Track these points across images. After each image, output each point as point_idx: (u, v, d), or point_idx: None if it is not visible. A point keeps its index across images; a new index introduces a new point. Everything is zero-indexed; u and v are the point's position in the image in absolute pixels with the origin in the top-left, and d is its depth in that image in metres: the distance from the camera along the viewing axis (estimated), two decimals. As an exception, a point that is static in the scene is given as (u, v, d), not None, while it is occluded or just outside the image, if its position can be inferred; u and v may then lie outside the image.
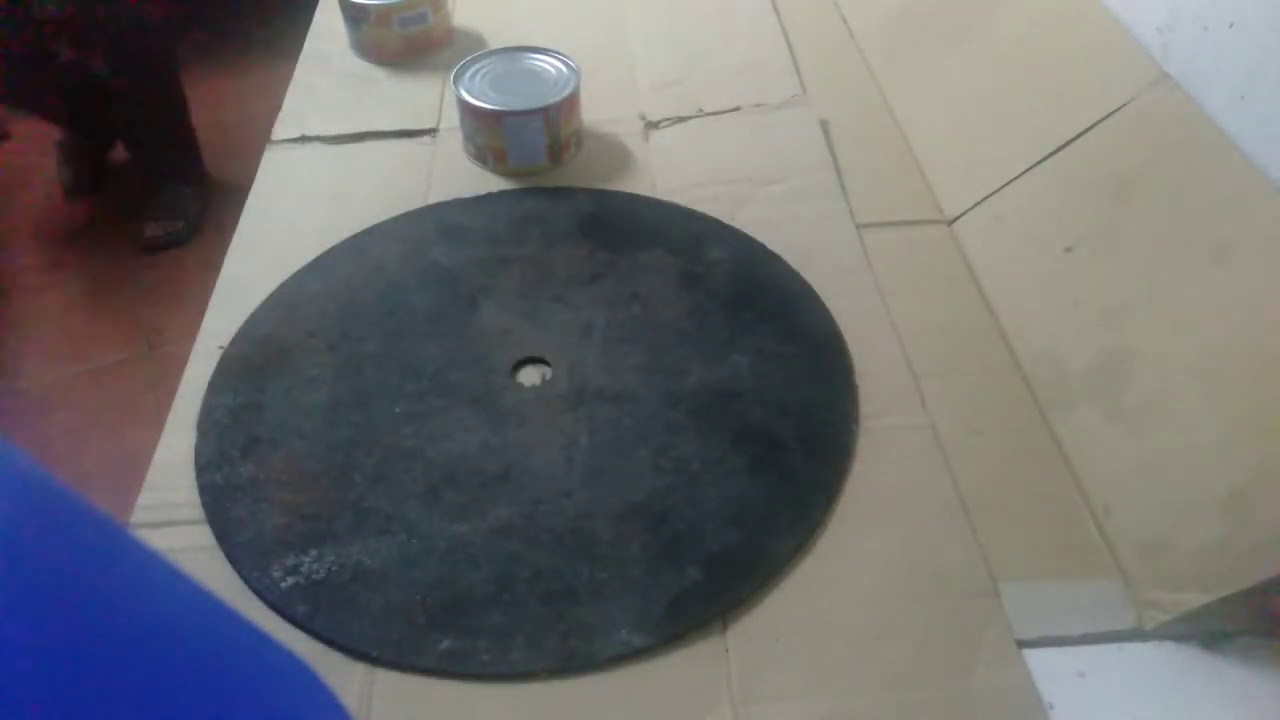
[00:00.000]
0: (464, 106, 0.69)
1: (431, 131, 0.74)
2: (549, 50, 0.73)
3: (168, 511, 0.49)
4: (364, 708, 0.42)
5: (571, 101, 0.69)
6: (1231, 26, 0.52)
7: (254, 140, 0.79)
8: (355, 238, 0.65)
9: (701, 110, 0.75)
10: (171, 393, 0.55)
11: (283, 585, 0.46)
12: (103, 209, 1.96)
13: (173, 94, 1.52)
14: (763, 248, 0.63)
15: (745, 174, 0.69)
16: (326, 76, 0.81)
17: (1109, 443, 0.50)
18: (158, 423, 0.54)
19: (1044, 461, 0.52)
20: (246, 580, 0.46)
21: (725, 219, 0.66)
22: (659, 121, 0.75)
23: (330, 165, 0.72)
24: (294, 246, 0.64)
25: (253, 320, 0.59)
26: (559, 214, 0.67)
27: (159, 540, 0.48)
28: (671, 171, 0.70)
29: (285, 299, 0.61)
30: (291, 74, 0.81)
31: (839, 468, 0.51)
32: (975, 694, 0.42)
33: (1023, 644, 0.44)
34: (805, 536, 0.48)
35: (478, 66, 0.72)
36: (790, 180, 0.69)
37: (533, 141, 0.69)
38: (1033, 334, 0.57)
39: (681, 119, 0.75)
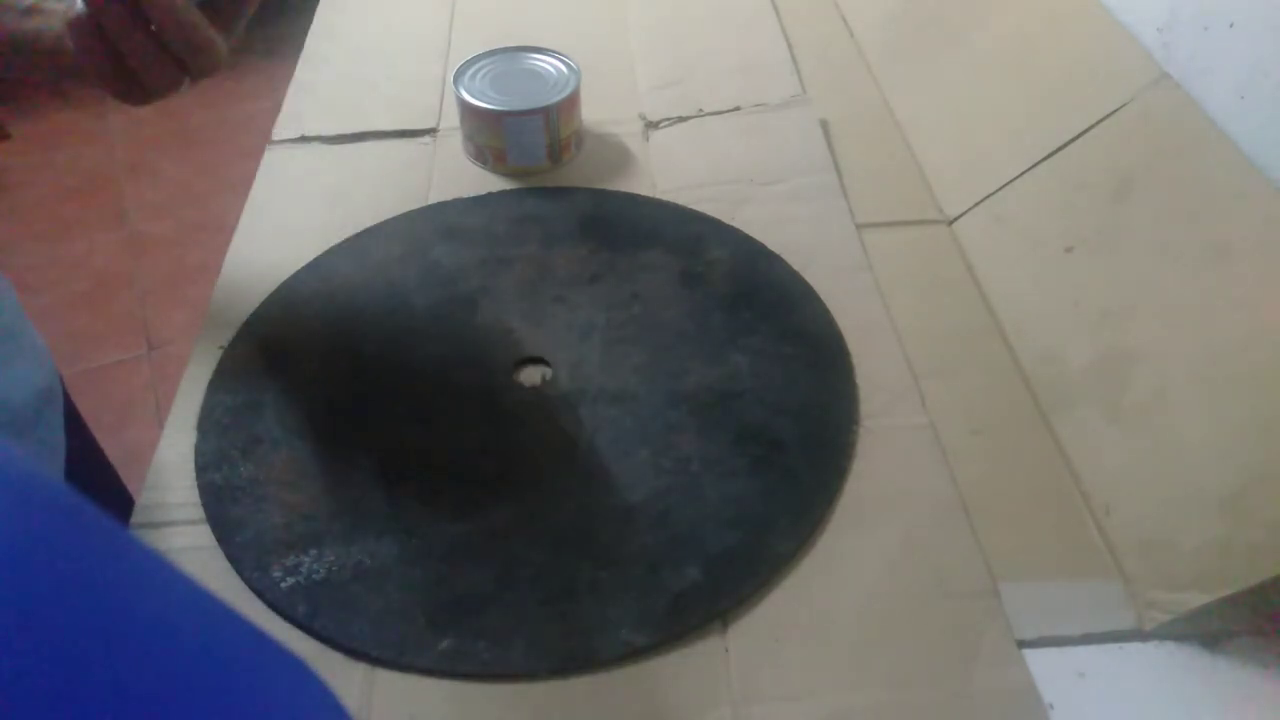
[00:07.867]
0: (464, 106, 0.69)
1: (431, 131, 0.74)
2: (549, 50, 0.73)
3: (168, 511, 0.49)
4: (364, 708, 0.42)
5: (571, 101, 0.69)
6: (1231, 26, 0.52)
7: (254, 140, 0.79)
8: (355, 238, 0.65)
9: (701, 110, 0.75)
10: (171, 393, 0.55)
11: (283, 585, 0.46)
12: (102, 208, 1.96)
13: None
14: (763, 248, 0.63)
15: (745, 174, 0.69)
16: (326, 76, 0.81)
17: (1109, 443, 0.50)
18: (158, 423, 0.54)
19: (1044, 461, 0.52)
20: (246, 580, 0.46)
21: (725, 219, 0.66)
22: (659, 121, 0.75)
23: (330, 165, 0.72)
24: (294, 246, 0.64)
25: (253, 320, 0.59)
26: (559, 214, 0.67)
27: (159, 540, 0.48)
28: (671, 171, 0.70)
29: (285, 299, 0.61)
30: (291, 74, 0.81)
31: (839, 468, 0.51)
32: (975, 694, 0.42)
33: (1023, 644, 0.44)
34: (805, 536, 0.48)
35: (478, 66, 0.72)
36: (790, 180, 0.69)
37: (533, 141, 0.69)
38: (1033, 334, 0.57)
39: (681, 119, 0.75)
